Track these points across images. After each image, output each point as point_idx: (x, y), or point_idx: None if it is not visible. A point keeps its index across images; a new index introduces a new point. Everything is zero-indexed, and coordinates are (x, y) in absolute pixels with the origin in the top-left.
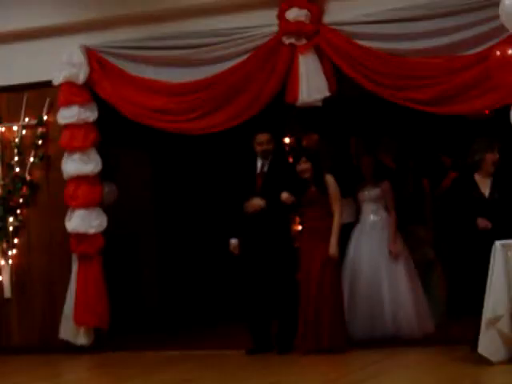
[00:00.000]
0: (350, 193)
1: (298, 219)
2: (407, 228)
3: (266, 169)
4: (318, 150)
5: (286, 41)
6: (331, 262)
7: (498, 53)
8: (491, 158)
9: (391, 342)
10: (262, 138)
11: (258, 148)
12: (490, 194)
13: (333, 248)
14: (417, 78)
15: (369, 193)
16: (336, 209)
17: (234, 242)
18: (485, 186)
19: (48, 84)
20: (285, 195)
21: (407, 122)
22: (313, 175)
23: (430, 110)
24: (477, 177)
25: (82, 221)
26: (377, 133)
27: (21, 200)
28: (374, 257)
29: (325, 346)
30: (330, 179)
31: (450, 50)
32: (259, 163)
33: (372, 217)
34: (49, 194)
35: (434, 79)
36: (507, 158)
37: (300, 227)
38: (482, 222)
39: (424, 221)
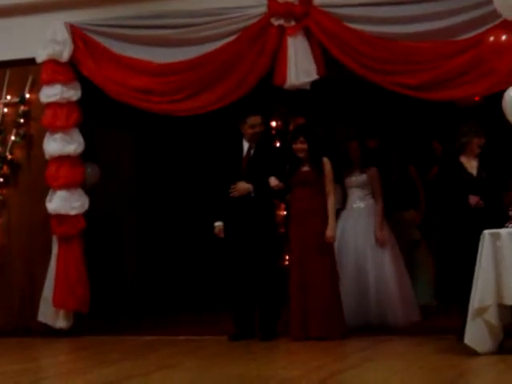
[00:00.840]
0: (337, 179)
1: (282, 205)
2: (393, 215)
3: (252, 152)
4: (316, 130)
5: (275, 22)
6: (328, 247)
7: (492, 38)
8: (477, 141)
9: (376, 330)
10: (255, 120)
11: (249, 131)
12: (478, 173)
13: (331, 230)
14: (407, 63)
15: (356, 179)
16: (330, 192)
17: (218, 224)
18: (472, 167)
19: (31, 61)
20: (274, 181)
21: (395, 108)
22: (308, 155)
23: (420, 96)
24: (463, 159)
25: (64, 202)
26: (364, 118)
27: (1, 179)
28: (359, 244)
29: (323, 333)
30: (326, 162)
31: (442, 34)
32: (245, 146)
33: (358, 203)
34: (30, 174)
35: (424, 64)
36: (493, 143)
37: (285, 212)
38: (473, 199)
39: (414, 205)
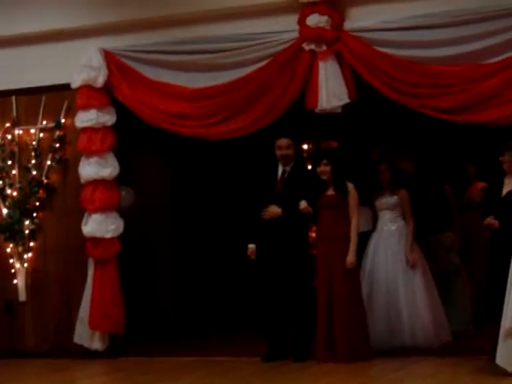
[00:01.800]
0: (367, 201)
1: (314, 227)
2: (433, 236)
3: (286, 175)
4: (339, 154)
5: (307, 47)
6: (351, 272)
7: None
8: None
9: (408, 351)
10: (282, 142)
11: (278, 152)
12: (508, 193)
13: (351, 257)
14: (437, 86)
15: (386, 201)
16: (353, 216)
17: (251, 246)
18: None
19: (66, 87)
20: (303, 204)
21: (429, 130)
22: (332, 178)
23: (449, 118)
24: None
25: (99, 225)
26: (396, 140)
27: (37, 203)
28: (390, 266)
29: (349, 355)
30: (350, 186)
31: (471, 58)
32: (280, 169)
33: (389, 225)
34: (65, 198)
35: (454, 87)
36: None
37: (314, 234)
38: (488, 220)
39: (450, 227)
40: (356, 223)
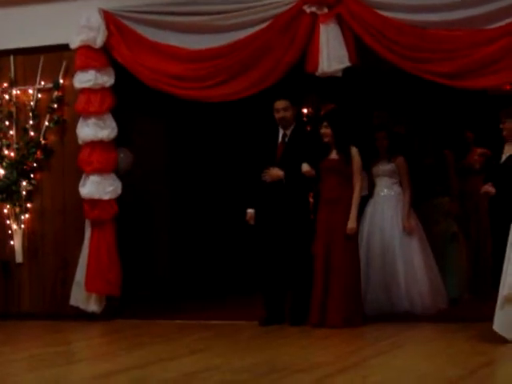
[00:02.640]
0: (365, 166)
1: (312, 192)
2: (433, 199)
3: (286, 139)
4: (340, 116)
5: (308, 9)
6: (351, 237)
7: None
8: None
9: (404, 317)
10: (279, 104)
11: (276, 115)
12: (507, 160)
13: (352, 222)
14: (438, 51)
15: (383, 167)
16: (357, 182)
17: (250, 211)
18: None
19: (65, 47)
20: (306, 167)
21: (429, 95)
22: (334, 140)
23: (449, 84)
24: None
25: (97, 187)
26: (395, 105)
27: (35, 164)
28: (387, 232)
29: (342, 320)
30: (354, 151)
31: (473, 23)
32: (281, 133)
33: (386, 191)
34: (63, 159)
35: (455, 52)
36: None
37: (313, 199)
38: (485, 187)
39: (448, 193)
40: (359, 189)
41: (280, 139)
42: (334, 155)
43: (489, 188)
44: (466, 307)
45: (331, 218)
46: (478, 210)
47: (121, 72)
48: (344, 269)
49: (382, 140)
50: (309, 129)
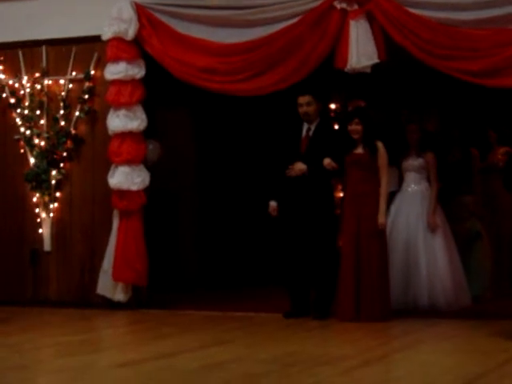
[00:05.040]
0: (394, 161)
1: (339, 186)
2: (457, 198)
3: (311, 133)
4: (371, 113)
5: (338, 5)
6: (380, 231)
7: None
8: None
9: (427, 313)
10: (302, 99)
11: (299, 110)
12: None
13: (381, 217)
14: (466, 49)
15: (412, 162)
16: (383, 176)
17: (273, 203)
18: None
19: (97, 39)
20: (327, 161)
21: (456, 93)
22: (363, 137)
23: (478, 82)
24: None
25: (125, 177)
26: (423, 102)
27: (64, 154)
28: (412, 226)
29: (371, 315)
30: (380, 145)
31: (502, 22)
32: (305, 127)
33: (413, 186)
34: (93, 149)
35: (483, 51)
36: None
37: (341, 193)
38: None
39: (471, 190)
40: (386, 183)
41: (304, 133)
42: (359, 149)
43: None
44: (488, 304)
45: (358, 213)
46: (499, 209)
47: (151, 64)
48: (374, 262)
49: (413, 133)
50: (336, 126)
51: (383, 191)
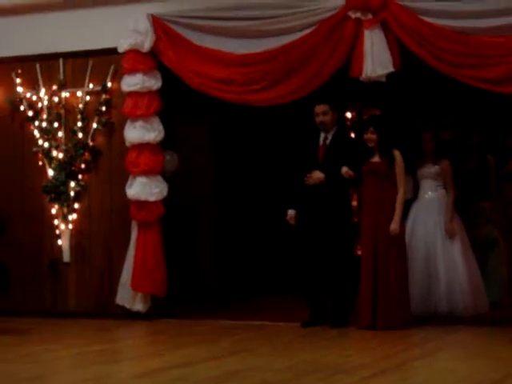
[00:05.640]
0: (410, 170)
1: (356, 195)
2: (474, 204)
3: (328, 142)
4: (386, 121)
5: (352, 15)
6: (398, 239)
7: None
8: None
9: (446, 320)
10: (318, 109)
11: (316, 119)
12: None
13: (395, 224)
14: (482, 57)
15: (428, 170)
16: (400, 184)
17: (291, 212)
18: None
19: (113, 51)
20: (344, 169)
21: (474, 100)
22: (378, 145)
23: (493, 90)
24: None
25: (143, 188)
26: (439, 110)
27: (83, 165)
28: (430, 234)
29: (390, 323)
30: (397, 154)
31: None
32: (322, 136)
33: (430, 194)
34: (110, 161)
35: (499, 58)
36: None
37: (356, 202)
38: None
39: (489, 197)
40: (402, 191)
41: (321, 142)
42: (376, 158)
43: None
44: (505, 311)
45: (376, 221)
46: None
47: (168, 75)
48: (392, 270)
49: (428, 142)
50: (352, 134)
51: (399, 198)
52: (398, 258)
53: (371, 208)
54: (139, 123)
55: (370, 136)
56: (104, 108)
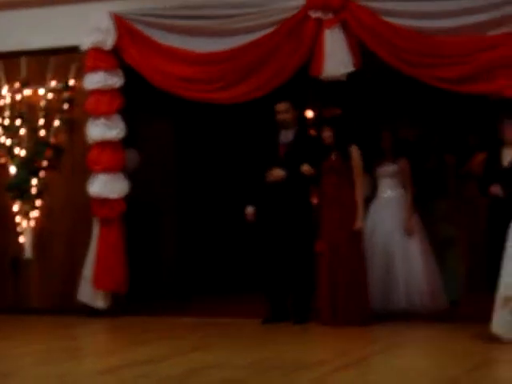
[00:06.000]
0: (368, 168)
1: (316, 192)
2: (429, 203)
3: (288, 140)
4: (342, 119)
5: (313, 15)
6: (357, 236)
7: None
8: None
9: (403, 316)
10: (279, 107)
11: (277, 117)
12: (510, 162)
13: (359, 221)
14: (442, 57)
15: (387, 169)
16: (358, 181)
17: (250, 209)
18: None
19: (75, 49)
20: (305, 167)
21: (434, 100)
22: (335, 142)
23: (454, 89)
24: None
25: (105, 185)
26: (399, 109)
27: (44, 163)
28: (388, 232)
29: (350, 319)
30: (354, 150)
31: (476, 29)
32: (282, 134)
33: (388, 192)
34: (72, 158)
35: (457, 58)
36: None
37: (316, 199)
38: (493, 188)
39: (446, 195)
40: (361, 186)
41: (282, 140)
42: (333, 156)
43: (498, 190)
44: (464, 308)
45: (334, 218)
46: (475, 214)
47: (130, 73)
48: (350, 268)
49: (386, 140)
50: (312, 132)
51: (359, 195)
52: (358, 254)
53: (330, 205)
54: (101, 121)
55: (326, 133)
56: (66, 106)
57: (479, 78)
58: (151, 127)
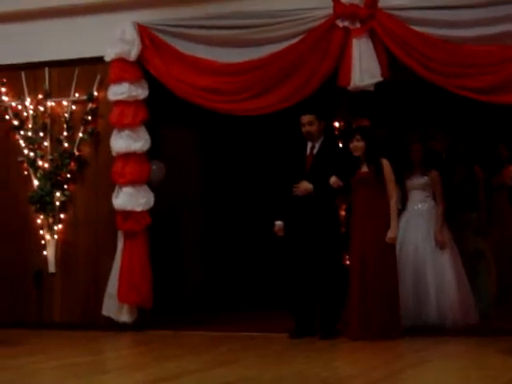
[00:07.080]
0: (398, 180)
1: (344, 205)
2: (460, 216)
3: (315, 151)
4: (372, 130)
5: (340, 24)
6: (390, 249)
7: None
8: None
9: (434, 330)
10: (304, 119)
11: (302, 129)
12: None
13: (392, 232)
14: (470, 66)
15: (417, 181)
16: (392, 192)
17: (278, 223)
18: None
19: (99, 60)
20: (333, 179)
21: (463, 110)
22: (365, 154)
23: (482, 99)
24: None
25: (129, 198)
26: (428, 120)
27: (68, 175)
28: (420, 245)
29: (381, 334)
30: (385, 162)
31: (503, 39)
32: (309, 145)
33: (419, 205)
34: (96, 170)
35: (487, 68)
36: None
37: (344, 212)
38: None
39: (476, 207)
40: (394, 198)
41: (308, 152)
42: (364, 168)
43: None
44: (494, 322)
45: (366, 231)
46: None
47: (155, 84)
48: (382, 281)
49: (417, 152)
50: (340, 143)
51: (393, 206)
52: (389, 268)
53: (361, 219)
54: (125, 133)
55: (356, 144)
56: (90, 117)
57: (507, 88)
58: (176, 139)
